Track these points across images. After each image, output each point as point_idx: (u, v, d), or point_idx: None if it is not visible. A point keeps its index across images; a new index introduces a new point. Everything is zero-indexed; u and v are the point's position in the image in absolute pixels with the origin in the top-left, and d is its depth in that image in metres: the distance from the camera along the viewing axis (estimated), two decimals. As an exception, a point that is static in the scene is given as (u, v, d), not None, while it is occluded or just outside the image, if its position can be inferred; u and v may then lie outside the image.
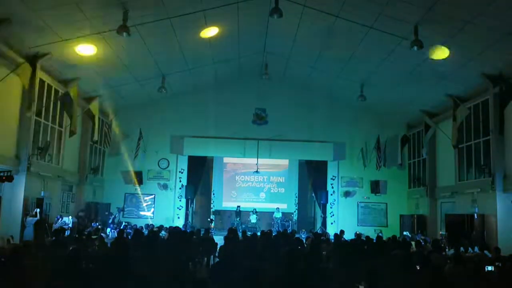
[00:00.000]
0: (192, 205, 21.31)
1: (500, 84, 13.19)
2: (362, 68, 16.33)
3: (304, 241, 12.33)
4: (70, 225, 14.86)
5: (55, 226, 13.99)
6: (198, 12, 13.05)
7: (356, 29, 13.18)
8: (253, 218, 20.57)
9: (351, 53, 15.14)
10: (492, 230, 13.61)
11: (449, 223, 15.85)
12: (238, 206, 20.94)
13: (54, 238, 10.67)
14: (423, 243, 12.60)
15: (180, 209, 20.48)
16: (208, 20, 13.64)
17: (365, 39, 13.70)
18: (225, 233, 11.98)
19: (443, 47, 12.73)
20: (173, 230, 12.82)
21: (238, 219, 20.36)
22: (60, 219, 14.80)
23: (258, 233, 13.86)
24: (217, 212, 22.03)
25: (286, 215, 21.62)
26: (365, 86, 17.27)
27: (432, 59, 13.32)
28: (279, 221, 20.49)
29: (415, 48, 11.75)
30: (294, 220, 21.83)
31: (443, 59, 13.22)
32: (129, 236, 12.31)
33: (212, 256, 11.43)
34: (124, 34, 11.68)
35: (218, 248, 10.73)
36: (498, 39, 11.55)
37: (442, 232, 16.56)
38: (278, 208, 21.17)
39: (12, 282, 5.70)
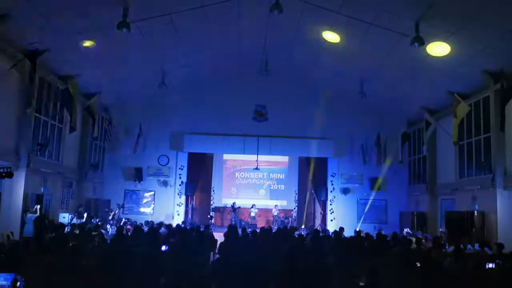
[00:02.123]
0: (192, 202, 21.32)
1: (501, 80, 13.16)
2: (362, 65, 16.27)
3: (304, 237, 12.31)
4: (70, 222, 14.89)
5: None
6: (198, 8, 13.00)
7: (357, 25, 13.12)
8: (252, 212, 20.64)
9: (352, 50, 15.09)
10: (492, 227, 13.61)
11: (449, 220, 15.83)
12: (234, 203, 20.98)
13: (54, 234, 10.66)
14: (423, 240, 12.59)
15: (180, 206, 20.49)
16: (208, 15, 13.59)
17: (365, 36, 13.65)
18: (225, 229, 11.95)
19: (444, 44, 12.68)
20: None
21: (234, 215, 20.40)
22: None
23: (258, 230, 13.83)
24: (217, 209, 22.03)
25: (285, 212, 21.65)
26: (365, 82, 17.23)
27: (433, 56, 13.28)
28: (277, 218, 20.56)
29: (416, 44, 11.71)
30: (294, 217, 21.85)
31: (444, 56, 13.18)
32: (129, 233, 12.30)
33: (212, 253, 11.41)
34: (124, 30, 11.66)
35: (218, 245, 10.72)
36: (499, 35, 11.50)
37: (442, 229, 16.55)
38: (277, 205, 21.21)
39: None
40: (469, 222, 14.40)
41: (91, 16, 12.13)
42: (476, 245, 11.84)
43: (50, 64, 14.33)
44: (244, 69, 19.59)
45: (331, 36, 14.54)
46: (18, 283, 4.81)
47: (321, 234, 12.48)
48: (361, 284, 5.27)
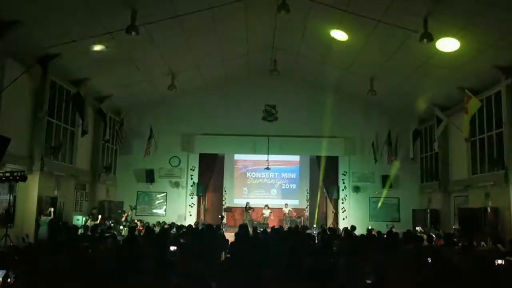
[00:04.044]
0: (203, 202, 21.42)
1: (513, 75, 13.02)
2: (371, 62, 16.20)
3: (316, 236, 12.31)
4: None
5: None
6: (206, 10, 13.09)
7: (365, 23, 13.08)
8: (266, 213, 20.68)
9: (361, 48, 15.04)
10: (506, 224, 13.45)
11: (462, 217, 15.70)
12: (248, 203, 21.02)
13: (67, 236, 10.81)
14: (435, 237, 12.49)
15: (192, 207, 20.61)
16: (216, 17, 13.66)
17: (374, 33, 13.59)
18: (237, 229, 11.98)
19: (453, 39, 12.58)
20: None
21: (247, 215, 20.45)
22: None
23: (269, 230, 13.85)
24: (229, 209, 22.11)
25: (298, 211, 21.65)
26: (375, 80, 17.15)
27: (443, 52, 13.17)
28: (288, 217, 20.58)
29: (425, 41, 11.63)
30: (306, 216, 21.86)
31: (453, 52, 13.06)
32: (141, 234, 12.42)
33: (223, 253, 11.46)
34: (133, 33, 11.80)
35: (229, 245, 10.76)
36: (510, 30, 11.38)
37: (456, 226, 16.40)
38: (287, 204, 21.23)
39: (26, 280, 5.79)
40: (483, 218, 14.26)
41: (101, 21, 12.29)
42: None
43: (61, 69, 14.53)
44: (253, 69, 19.66)
45: (339, 35, 14.52)
46: (9, 279, 4.93)
47: (331, 233, 12.44)
48: (368, 281, 5.28)
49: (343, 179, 20.78)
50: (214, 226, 13.01)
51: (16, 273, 5.22)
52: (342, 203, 20.60)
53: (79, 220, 15.68)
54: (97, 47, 13.69)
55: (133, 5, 11.72)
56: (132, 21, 11.77)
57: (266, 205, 21.06)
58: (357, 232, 13.54)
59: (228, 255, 8.99)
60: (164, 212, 20.47)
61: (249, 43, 16.68)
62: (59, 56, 13.46)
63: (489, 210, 14.16)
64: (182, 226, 13.89)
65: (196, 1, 12.70)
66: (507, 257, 7.13)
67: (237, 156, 22.97)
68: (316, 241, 11.03)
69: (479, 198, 15.17)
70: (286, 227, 18.47)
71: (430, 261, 6.78)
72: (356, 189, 20.61)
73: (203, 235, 10.96)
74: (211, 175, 21.47)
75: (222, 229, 14.78)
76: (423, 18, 11.63)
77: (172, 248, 7.94)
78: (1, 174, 11.29)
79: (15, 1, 10.72)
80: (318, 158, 21.16)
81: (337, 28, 14.16)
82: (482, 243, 12.06)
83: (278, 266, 5.43)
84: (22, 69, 12.52)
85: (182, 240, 9.45)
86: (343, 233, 13.09)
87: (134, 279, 5.75)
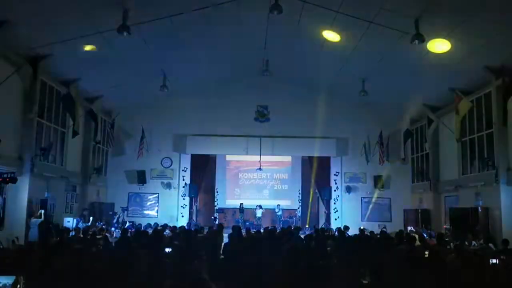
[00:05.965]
0: (196, 204, 21.34)
1: (503, 76, 13.13)
2: (363, 63, 16.25)
3: (308, 237, 12.30)
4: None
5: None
6: (198, 10, 13.03)
7: (357, 24, 13.11)
8: (258, 213, 20.65)
9: (352, 48, 15.07)
10: (496, 223, 13.57)
11: (453, 217, 15.81)
12: (241, 204, 20.97)
13: (58, 238, 10.71)
14: (427, 237, 12.57)
15: (184, 208, 20.52)
16: (208, 17, 13.61)
17: (365, 34, 13.62)
18: (229, 230, 11.95)
19: (444, 40, 12.66)
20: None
21: (241, 216, 20.40)
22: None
23: (262, 230, 13.82)
24: (221, 210, 22.05)
25: (289, 212, 21.66)
26: (366, 81, 17.20)
27: (434, 53, 13.25)
28: (281, 217, 20.58)
29: (417, 42, 11.69)
30: (298, 216, 21.87)
31: (444, 52, 13.15)
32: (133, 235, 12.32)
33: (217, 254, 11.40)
34: (125, 33, 11.71)
35: (222, 246, 10.71)
36: (500, 31, 11.47)
37: (447, 226, 16.51)
38: (279, 205, 21.23)
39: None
40: (473, 218, 14.37)
41: (92, 20, 12.18)
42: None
43: (51, 69, 14.39)
44: (245, 70, 19.61)
45: (331, 35, 14.53)
46: (18, 286, 4.82)
47: (326, 234, 12.46)
48: (365, 282, 5.28)
49: (335, 180, 20.85)
50: (206, 228, 12.96)
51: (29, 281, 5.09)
52: (334, 203, 20.66)
53: (69, 222, 15.51)
54: (88, 47, 13.58)
55: (124, 5, 11.62)
56: (123, 20, 11.68)
57: (258, 206, 21.04)
58: (350, 232, 13.57)
59: (222, 256, 8.95)
60: (156, 214, 20.36)
61: (241, 43, 16.63)
62: (49, 56, 13.34)
63: (479, 210, 14.27)
64: (175, 228, 13.81)
65: (188, 2, 12.63)
66: (501, 256, 7.19)
67: (229, 157, 22.92)
68: (311, 242, 11.02)
69: (469, 198, 15.28)
70: (278, 227, 18.44)
71: (424, 261, 6.80)
72: (348, 189, 20.69)
73: (197, 236, 10.92)
74: (203, 176, 21.42)
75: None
76: (414, 20, 11.69)
77: (167, 250, 7.87)
78: (-9, 175, 11.12)
79: (4, 0, 10.58)
80: (310, 158, 21.21)
81: (329, 29, 14.17)
82: (473, 242, 12.15)
83: (274, 267, 5.41)
84: (12, 69, 12.38)
85: (176, 242, 9.38)
86: (336, 233, 13.11)
87: (127, 281, 5.70)
